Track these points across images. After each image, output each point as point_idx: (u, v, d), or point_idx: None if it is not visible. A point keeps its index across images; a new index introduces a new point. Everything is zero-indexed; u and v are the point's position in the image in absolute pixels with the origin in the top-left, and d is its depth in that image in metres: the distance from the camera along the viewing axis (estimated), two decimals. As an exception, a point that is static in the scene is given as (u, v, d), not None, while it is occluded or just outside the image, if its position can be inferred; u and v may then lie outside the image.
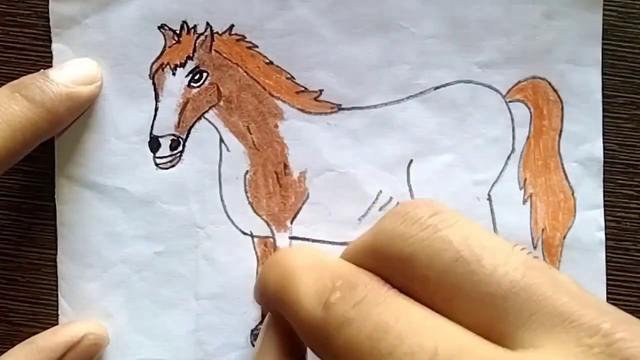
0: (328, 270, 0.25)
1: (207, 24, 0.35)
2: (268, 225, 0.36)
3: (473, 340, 0.22)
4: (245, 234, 0.36)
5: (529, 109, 0.37)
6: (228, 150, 0.36)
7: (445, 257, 0.23)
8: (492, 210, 0.36)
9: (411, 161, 0.36)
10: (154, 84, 0.36)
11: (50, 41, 0.35)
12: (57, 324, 0.36)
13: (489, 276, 0.23)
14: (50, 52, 0.35)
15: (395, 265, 0.25)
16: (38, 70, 0.35)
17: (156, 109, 0.36)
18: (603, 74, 0.36)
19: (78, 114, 0.35)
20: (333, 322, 0.23)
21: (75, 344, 0.34)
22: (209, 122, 0.36)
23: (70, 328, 0.35)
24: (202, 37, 0.35)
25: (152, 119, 0.36)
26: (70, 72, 0.34)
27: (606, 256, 0.36)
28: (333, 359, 0.24)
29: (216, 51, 0.36)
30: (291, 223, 0.36)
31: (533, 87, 0.36)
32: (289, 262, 0.27)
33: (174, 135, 0.36)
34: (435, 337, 0.22)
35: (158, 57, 0.36)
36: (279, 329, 0.28)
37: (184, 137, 0.36)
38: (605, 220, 0.37)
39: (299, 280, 0.25)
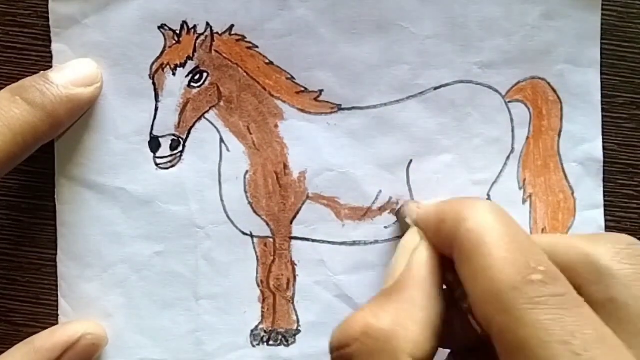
0: (528, 248, 0.25)
1: (207, 24, 0.35)
2: (268, 225, 0.36)
3: None
4: (245, 234, 0.36)
5: (529, 109, 0.37)
6: (228, 150, 0.36)
7: None
8: (491, 210, 0.36)
9: (411, 161, 0.36)
10: (154, 84, 0.36)
11: (50, 41, 0.35)
12: (57, 324, 0.36)
13: None
14: (50, 52, 0.35)
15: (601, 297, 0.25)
16: (38, 70, 0.35)
17: (156, 109, 0.36)
18: (603, 74, 0.36)
19: (78, 116, 0.35)
20: (528, 298, 0.23)
21: (73, 344, 0.34)
22: (209, 122, 0.36)
23: (68, 328, 0.35)
24: (202, 37, 0.36)
25: (152, 119, 0.36)
26: (70, 73, 0.34)
27: (606, 256, 0.36)
28: (505, 328, 0.24)
29: (216, 51, 0.36)
30: (291, 223, 0.36)
31: (532, 88, 0.36)
32: (487, 220, 0.26)
33: (174, 135, 0.36)
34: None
35: (158, 57, 0.36)
36: (430, 256, 0.28)
37: (184, 137, 0.36)
38: (605, 220, 0.37)
39: (496, 242, 0.25)
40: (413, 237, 0.30)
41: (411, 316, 0.27)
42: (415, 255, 0.29)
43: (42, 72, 0.34)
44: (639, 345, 0.24)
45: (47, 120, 0.33)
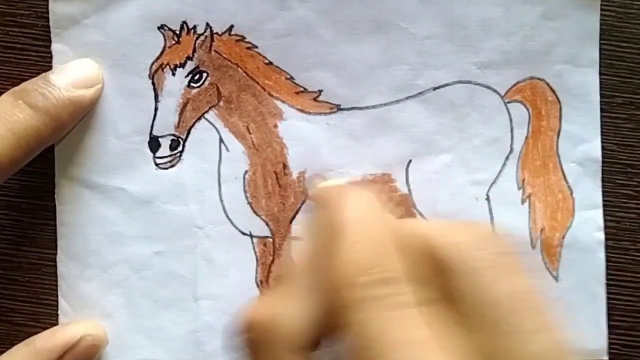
0: (374, 249, 0.25)
1: (207, 24, 0.36)
2: (267, 225, 0.36)
3: None
4: (244, 234, 0.36)
5: (528, 109, 0.37)
6: (227, 150, 0.36)
7: (486, 295, 0.24)
8: (490, 210, 0.36)
9: (410, 161, 0.36)
10: (153, 84, 0.36)
11: (50, 41, 0.35)
12: (57, 324, 0.36)
13: (510, 332, 0.23)
14: (50, 52, 0.36)
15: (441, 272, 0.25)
16: (38, 70, 0.35)
17: (156, 109, 0.36)
18: (601, 74, 0.36)
19: (80, 118, 0.35)
20: (351, 299, 0.24)
21: (73, 345, 0.34)
22: (209, 122, 0.36)
23: (68, 329, 0.35)
24: (201, 38, 0.36)
25: (152, 119, 0.36)
26: (71, 75, 0.34)
27: (605, 256, 0.36)
28: (339, 319, 0.24)
29: (216, 51, 0.36)
30: (290, 223, 0.36)
31: (531, 88, 0.36)
32: (350, 211, 0.26)
33: (173, 135, 0.36)
34: None
35: (158, 58, 0.36)
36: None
37: (183, 137, 0.36)
38: (605, 220, 0.37)
39: (348, 237, 0.25)
40: (301, 226, 0.31)
41: (290, 306, 0.27)
42: (297, 246, 0.29)
43: (43, 74, 0.34)
44: (473, 344, 0.24)
45: (50, 124, 0.33)
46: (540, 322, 0.24)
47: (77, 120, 0.35)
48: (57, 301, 0.36)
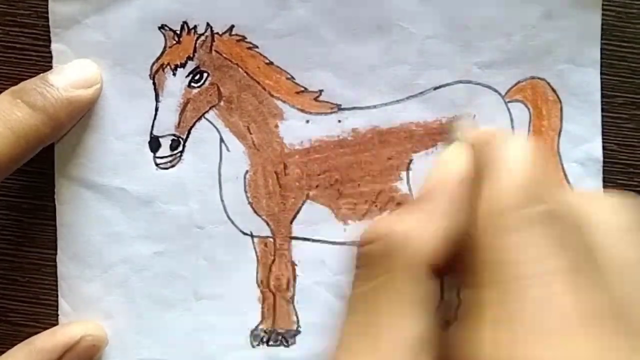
0: (547, 185, 0.26)
1: (208, 24, 0.35)
2: (268, 225, 0.36)
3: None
4: (245, 234, 0.36)
5: (528, 109, 0.37)
6: (228, 150, 0.36)
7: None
8: (491, 210, 0.36)
9: (411, 161, 0.36)
10: (154, 84, 0.36)
11: (50, 41, 0.35)
12: (57, 324, 0.36)
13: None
14: (50, 52, 0.35)
15: None
16: (38, 70, 0.35)
17: (156, 109, 0.36)
18: (602, 74, 0.36)
19: (79, 118, 0.35)
20: (515, 220, 0.24)
21: (73, 345, 0.34)
22: (209, 122, 0.36)
23: (68, 329, 0.35)
24: (202, 38, 0.36)
25: (152, 119, 0.36)
26: (70, 75, 0.34)
27: (606, 256, 0.36)
28: (478, 246, 0.25)
29: (216, 51, 0.36)
30: (291, 223, 0.36)
31: (532, 88, 0.36)
32: (521, 149, 0.27)
33: (174, 135, 0.36)
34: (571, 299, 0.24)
35: (158, 58, 0.36)
36: (465, 173, 0.29)
37: (184, 137, 0.36)
38: (605, 220, 0.37)
39: (519, 167, 0.26)
40: (454, 150, 0.31)
41: (430, 222, 0.27)
42: (449, 166, 0.29)
43: (42, 74, 0.34)
44: (605, 291, 0.24)
45: (49, 123, 0.33)
46: None
47: (75, 120, 0.35)
48: (57, 301, 0.36)
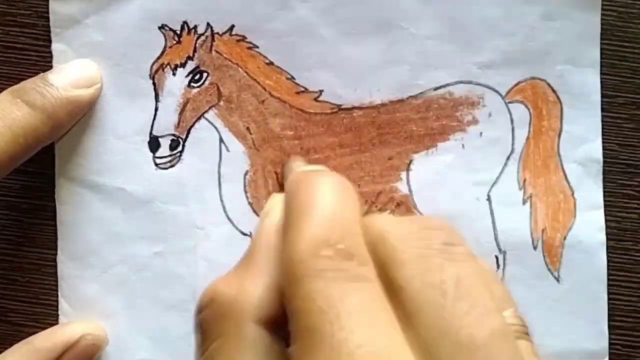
0: (342, 230, 0.25)
1: (208, 24, 0.36)
2: (268, 225, 0.36)
3: (400, 351, 0.22)
4: (244, 234, 0.36)
5: (529, 109, 0.37)
6: (228, 150, 0.36)
7: (429, 281, 0.23)
8: (491, 210, 0.36)
9: (411, 161, 0.36)
10: (154, 84, 0.36)
11: (50, 41, 0.35)
12: (57, 324, 0.36)
13: (455, 317, 0.22)
14: (50, 52, 0.35)
15: (386, 257, 0.25)
16: (38, 70, 0.35)
17: (156, 109, 0.36)
18: (603, 74, 0.36)
19: (78, 118, 0.35)
20: (309, 270, 0.24)
21: (73, 345, 0.34)
22: (209, 122, 0.36)
23: (68, 328, 0.35)
24: (202, 38, 0.36)
25: (152, 119, 0.36)
26: (70, 75, 0.34)
27: (607, 257, 0.36)
28: (289, 300, 0.24)
29: (216, 51, 0.36)
30: (291, 223, 0.36)
31: (532, 88, 0.36)
32: (321, 192, 0.26)
33: (173, 135, 0.36)
34: (367, 336, 0.22)
35: (158, 57, 0.36)
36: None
37: (183, 137, 0.36)
38: (606, 221, 0.37)
39: (315, 217, 0.25)
40: (273, 199, 0.30)
41: (255, 280, 0.27)
42: (265, 220, 0.29)
43: (41, 74, 0.34)
44: (410, 329, 0.23)
45: (48, 122, 0.33)
46: (488, 306, 0.23)
47: (75, 120, 0.35)
48: (57, 301, 0.36)
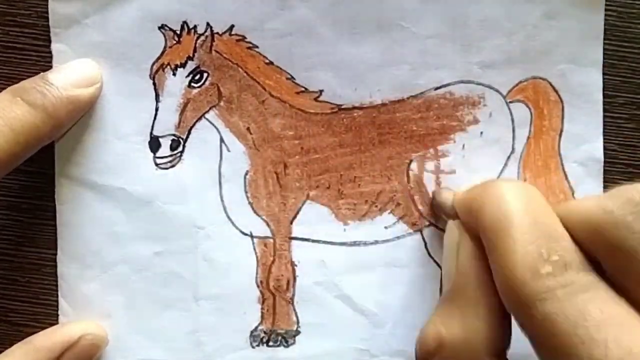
0: (547, 237, 0.26)
1: (208, 24, 0.35)
2: (268, 225, 0.36)
3: None
4: (245, 234, 0.36)
5: (530, 109, 0.36)
6: (228, 150, 0.36)
7: None
8: (492, 210, 0.36)
9: (411, 161, 0.36)
10: (154, 84, 0.36)
11: (50, 41, 0.35)
12: (57, 324, 0.36)
13: None
14: (50, 52, 0.35)
15: (613, 253, 0.25)
16: (38, 70, 0.35)
17: (156, 109, 0.36)
18: (603, 74, 0.36)
19: (79, 117, 0.35)
20: (537, 293, 0.24)
21: (73, 344, 0.34)
22: (210, 122, 0.36)
23: (68, 328, 0.35)
24: (202, 38, 0.35)
25: (152, 119, 0.36)
26: (70, 74, 0.34)
27: (607, 257, 0.36)
28: (525, 324, 0.25)
29: (216, 51, 0.36)
30: (291, 223, 0.36)
31: (533, 88, 0.36)
32: (510, 204, 0.27)
33: (174, 135, 0.36)
34: (633, 337, 0.22)
35: (158, 58, 0.36)
36: (476, 248, 0.29)
37: (184, 137, 0.36)
38: (606, 221, 0.37)
39: (516, 233, 0.26)
40: (453, 232, 0.31)
41: (477, 317, 0.27)
42: (460, 254, 0.30)
43: (42, 73, 0.34)
44: None
45: (49, 122, 0.33)
46: None
47: (75, 119, 0.35)
48: (57, 301, 0.36)
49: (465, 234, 0.30)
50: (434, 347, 0.28)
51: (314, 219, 0.36)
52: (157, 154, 0.36)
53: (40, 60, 0.36)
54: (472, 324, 0.27)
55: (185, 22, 0.35)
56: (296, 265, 0.36)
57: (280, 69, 0.36)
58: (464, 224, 0.31)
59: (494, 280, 0.27)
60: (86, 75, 0.35)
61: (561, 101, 0.36)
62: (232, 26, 0.35)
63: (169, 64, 0.36)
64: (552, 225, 0.26)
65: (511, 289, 0.25)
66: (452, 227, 0.31)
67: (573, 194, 0.36)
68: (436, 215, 0.36)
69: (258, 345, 0.36)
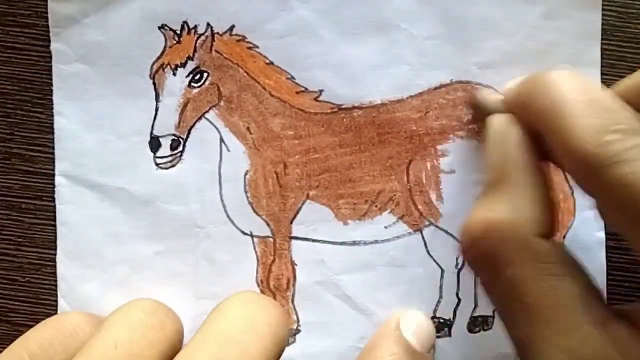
0: (606, 110, 0.26)
1: (208, 24, 0.36)
2: (268, 225, 0.36)
3: None
4: (245, 234, 0.36)
5: (529, 109, 0.37)
6: (228, 150, 0.36)
7: None
8: (491, 210, 0.36)
9: (410, 161, 0.36)
10: (154, 84, 0.36)
11: (50, 41, 0.35)
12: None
13: None
14: (50, 52, 0.35)
15: None
16: (38, 70, 0.35)
17: (156, 109, 0.36)
18: (602, 74, 0.36)
19: None
20: (608, 158, 0.24)
21: None
22: (210, 122, 0.36)
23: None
24: (202, 38, 0.36)
25: (152, 119, 0.36)
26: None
27: (606, 256, 0.36)
28: (599, 191, 0.25)
29: (217, 51, 0.36)
30: (291, 223, 0.36)
31: (532, 88, 0.36)
32: (564, 90, 0.27)
33: (174, 135, 0.36)
34: None
35: (158, 57, 0.36)
36: (523, 137, 0.30)
37: (184, 137, 0.36)
38: (605, 220, 0.37)
39: (575, 111, 0.26)
40: (500, 122, 0.31)
41: (524, 199, 0.28)
42: (510, 140, 0.30)
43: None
44: None
45: None
46: None
47: None
48: (57, 301, 0.36)
49: (513, 125, 0.30)
50: (480, 231, 0.27)
51: (314, 218, 0.36)
52: (157, 154, 0.36)
53: (40, 60, 0.36)
54: (520, 204, 0.27)
55: (185, 22, 0.35)
56: (296, 265, 0.36)
57: (281, 69, 0.36)
58: (513, 116, 0.31)
59: (558, 161, 0.27)
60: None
61: (559, 101, 0.37)
62: (233, 26, 0.36)
63: (169, 63, 0.36)
64: (609, 100, 0.27)
65: (580, 159, 0.25)
66: (500, 118, 0.31)
67: (572, 193, 0.36)
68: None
69: (259, 345, 0.36)
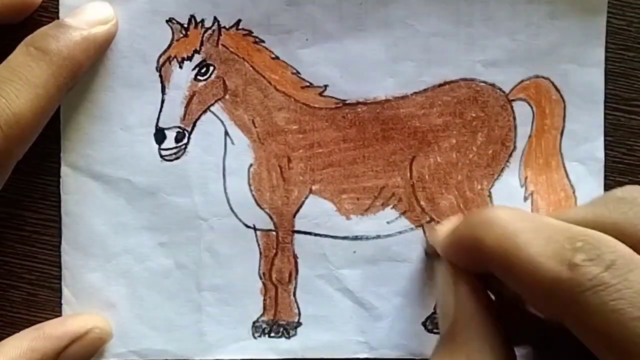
0: (557, 231, 0.25)
1: (215, 18, 0.36)
2: (271, 218, 0.37)
3: None
4: (248, 226, 0.37)
5: (532, 107, 0.37)
6: (233, 143, 0.36)
7: None
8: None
9: (414, 157, 0.36)
10: (160, 76, 0.36)
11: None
12: (60, 313, 0.36)
13: None
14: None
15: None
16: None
17: (162, 102, 0.36)
18: (605, 74, 0.37)
19: (97, 57, 0.35)
20: (582, 283, 0.23)
21: (81, 336, 0.35)
22: (215, 115, 0.36)
23: (78, 320, 0.35)
24: (209, 32, 0.36)
25: (158, 111, 0.36)
26: (83, 15, 0.34)
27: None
28: (577, 320, 0.23)
29: (223, 45, 0.36)
30: (294, 217, 0.37)
31: (536, 86, 0.37)
32: (509, 224, 0.26)
33: (179, 127, 0.36)
34: None
35: (165, 50, 0.36)
36: (472, 285, 0.29)
37: (189, 129, 0.36)
38: (606, 219, 0.37)
39: (527, 240, 0.25)
40: (446, 269, 0.30)
41: (484, 352, 0.27)
42: (458, 291, 0.29)
43: (56, 20, 0.34)
44: None
45: (65, 65, 0.33)
46: None
47: (93, 59, 0.35)
48: (59, 293, 0.36)
49: (460, 272, 0.29)
50: None
51: (316, 212, 0.36)
52: (162, 146, 0.36)
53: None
54: (479, 359, 0.27)
55: (192, 16, 0.36)
56: (298, 258, 0.37)
57: (286, 63, 0.36)
58: (456, 263, 0.30)
59: (523, 296, 0.26)
60: (99, 14, 0.34)
61: (563, 100, 0.37)
62: (239, 21, 0.36)
63: (175, 56, 0.36)
64: (555, 221, 0.26)
65: (550, 289, 0.24)
66: (445, 264, 0.31)
67: (574, 192, 0.37)
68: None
69: (260, 336, 0.37)
